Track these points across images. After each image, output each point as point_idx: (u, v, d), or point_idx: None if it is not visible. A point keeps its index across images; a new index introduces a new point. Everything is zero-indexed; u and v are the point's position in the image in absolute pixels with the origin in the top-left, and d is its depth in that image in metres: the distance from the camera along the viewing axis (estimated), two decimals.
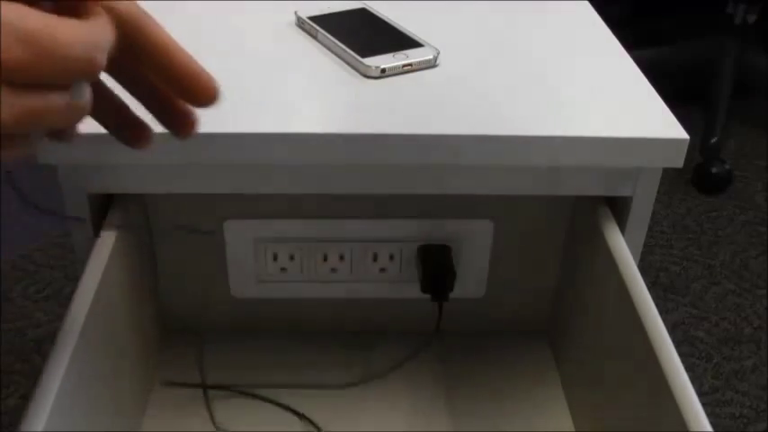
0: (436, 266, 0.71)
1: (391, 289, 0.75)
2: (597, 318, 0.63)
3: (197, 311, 0.76)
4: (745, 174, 1.67)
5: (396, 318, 0.77)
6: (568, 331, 0.71)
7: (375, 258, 0.73)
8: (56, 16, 0.32)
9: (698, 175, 1.61)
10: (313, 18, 0.69)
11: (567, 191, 0.60)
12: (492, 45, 0.68)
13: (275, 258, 0.72)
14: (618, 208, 0.63)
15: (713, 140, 1.62)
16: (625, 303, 0.55)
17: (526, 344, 0.77)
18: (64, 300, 1.25)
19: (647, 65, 0.69)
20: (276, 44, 0.67)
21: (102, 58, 0.34)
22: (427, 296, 0.71)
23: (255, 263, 0.73)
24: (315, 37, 0.67)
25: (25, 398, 1.08)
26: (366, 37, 0.66)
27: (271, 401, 0.70)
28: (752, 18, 1.79)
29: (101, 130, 0.56)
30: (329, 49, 0.66)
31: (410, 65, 0.62)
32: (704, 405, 0.47)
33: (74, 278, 1.30)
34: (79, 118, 0.35)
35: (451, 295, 0.71)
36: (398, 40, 0.65)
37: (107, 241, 0.59)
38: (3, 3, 0.31)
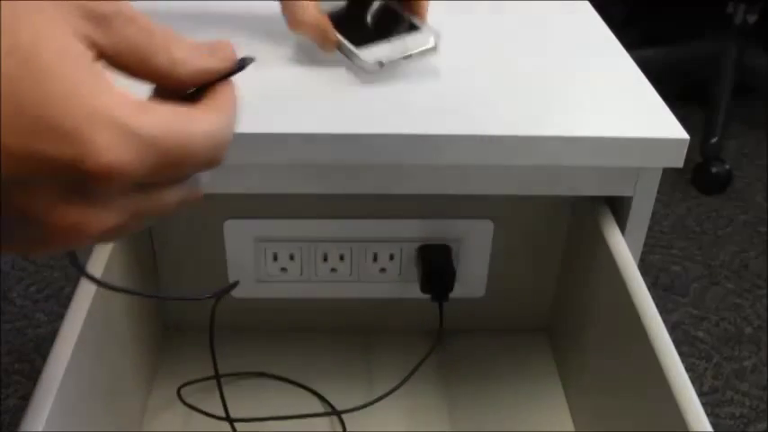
0: (436, 266, 0.71)
1: (391, 289, 0.75)
2: (597, 318, 0.63)
3: (197, 311, 0.75)
4: (745, 174, 1.67)
5: (396, 318, 0.77)
6: (568, 331, 0.71)
7: (375, 258, 0.73)
8: (189, 112, 0.33)
9: (698, 175, 1.61)
10: None
11: (567, 191, 0.60)
12: (492, 45, 0.68)
13: (275, 258, 0.72)
14: (618, 208, 0.63)
15: (713, 140, 1.62)
16: (625, 303, 0.55)
17: (526, 344, 0.77)
18: (64, 300, 1.25)
19: (647, 65, 0.69)
20: (275, 43, 0.67)
21: (225, 153, 0.34)
22: (427, 296, 0.71)
23: (255, 263, 0.73)
24: None
25: (25, 398, 1.08)
26: (361, 23, 0.62)
27: (289, 381, 0.69)
28: (752, 18, 1.79)
29: None
30: None
31: (410, 56, 0.59)
32: (704, 405, 0.47)
33: (74, 278, 1.31)
34: (192, 205, 0.36)
35: (451, 295, 0.71)
36: (396, 24, 0.62)
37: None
38: (146, 107, 0.31)
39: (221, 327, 0.76)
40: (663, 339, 0.51)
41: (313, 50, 0.67)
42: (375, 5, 0.64)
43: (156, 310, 0.74)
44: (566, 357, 0.73)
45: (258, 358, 0.74)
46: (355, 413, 0.68)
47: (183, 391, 0.69)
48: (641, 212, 0.61)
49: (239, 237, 0.71)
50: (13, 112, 0.28)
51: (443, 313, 0.71)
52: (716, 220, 1.52)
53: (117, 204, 0.31)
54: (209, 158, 0.33)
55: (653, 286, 1.34)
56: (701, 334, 1.25)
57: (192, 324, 0.76)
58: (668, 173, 0.59)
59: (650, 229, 1.40)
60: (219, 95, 0.36)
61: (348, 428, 0.68)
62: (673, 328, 1.25)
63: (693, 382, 0.49)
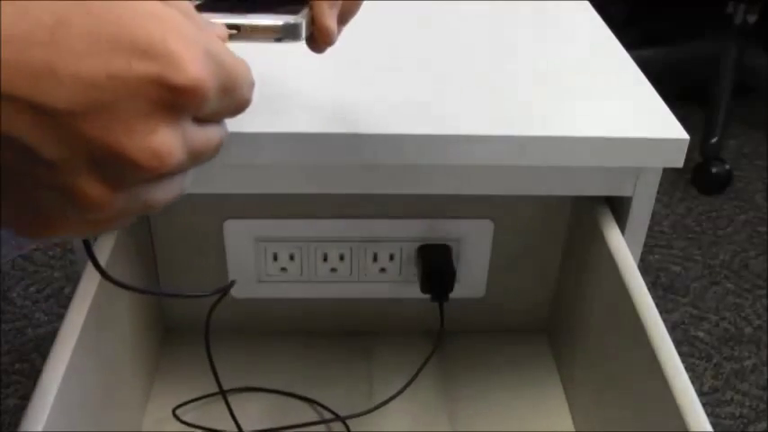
0: (436, 266, 0.71)
1: (391, 289, 0.75)
2: (597, 318, 0.63)
3: (197, 311, 0.75)
4: (745, 174, 1.67)
5: (396, 318, 0.77)
6: (568, 331, 0.71)
7: (375, 258, 0.73)
8: (231, 51, 0.32)
9: (698, 175, 1.61)
10: None
11: (567, 191, 0.60)
12: (492, 45, 0.68)
13: (275, 258, 0.72)
14: (618, 208, 0.63)
15: (713, 140, 1.61)
16: (625, 303, 0.55)
17: (526, 344, 0.77)
18: (64, 300, 1.25)
19: (647, 65, 0.69)
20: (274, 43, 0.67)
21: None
22: (427, 296, 0.71)
23: (255, 263, 0.73)
24: None
25: (25, 398, 1.08)
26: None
27: (289, 395, 0.69)
28: (752, 18, 1.78)
29: None
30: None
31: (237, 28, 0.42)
32: (704, 405, 0.47)
33: (74, 278, 1.30)
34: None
35: (451, 295, 0.71)
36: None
37: (107, 241, 0.59)
38: (205, 33, 0.30)
39: (221, 327, 0.77)
40: (663, 339, 0.51)
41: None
42: None
43: (157, 311, 0.74)
44: (566, 357, 0.73)
45: (257, 360, 0.74)
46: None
47: (181, 391, 0.69)
48: (641, 212, 0.61)
49: (239, 237, 0.71)
50: (87, 35, 0.26)
51: (443, 313, 0.71)
52: (716, 220, 1.52)
53: (185, 133, 0.30)
54: (249, 93, 0.34)
55: (653, 286, 1.34)
56: (700, 334, 1.25)
57: (192, 325, 0.76)
58: (668, 173, 0.59)
59: (650, 229, 1.40)
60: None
61: (350, 429, 0.68)
62: (673, 328, 1.25)
63: (693, 382, 0.49)
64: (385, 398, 0.68)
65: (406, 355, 0.75)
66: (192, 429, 0.67)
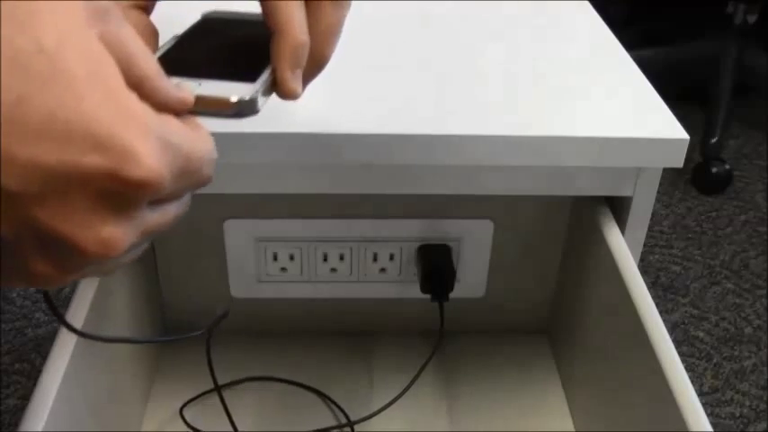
0: (436, 266, 0.71)
1: (391, 289, 0.75)
2: (597, 318, 0.63)
3: (197, 311, 0.75)
4: (745, 174, 1.67)
5: (396, 318, 0.77)
6: (568, 331, 0.71)
7: (375, 258, 0.73)
8: (189, 129, 0.31)
9: (698, 175, 1.61)
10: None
11: (567, 191, 0.60)
12: (492, 45, 0.68)
13: (275, 258, 0.72)
14: (618, 208, 0.63)
15: (713, 140, 1.61)
16: (625, 303, 0.55)
17: (526, 344, 0.77)
18: (64, 300, 1.25)
19: (647, 65, 0.69)
20: None
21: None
22: (427, 296, 0.71)
23: (255, 263, 0.73)
24: None
25: (25, 398, 1.08)
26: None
27: (294, 383, 0.69)
28: (752, 18, 1.78)
29: None
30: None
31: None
32: (704, 405, 0.47)
33: None
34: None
35: (451, 295, 0.71)
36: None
37: None
38: (163, 118, 0.29)
39: (221, 327, 0.77)
40: (663, 339, 0.51)
41: None
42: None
43: (157, 311, 0.74)
44: (566, 357, 0.73)
45: (258, 360, 0.74)
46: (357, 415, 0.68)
47: (181, 390, 0.69)
48: (641, 212, 0.61)
49: (239, 237, 0.71)
50: (45, 118, 0.26)
51: (443, 313, 0.71)
52: (716, 220, 1.52)
53: (136, 220, 0.29)
54: (209, 171, 0.33)
55: (653, 286, 1.34)
56: (700, 334, 1.25)
57: (193, 325, 0.76)
58: (668, 173, 0.59)
59: (650, 229, 1.40)
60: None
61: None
62: (673, 328, 1.25)
63: (693, 382, 0.49)
64: (385, 397, 0.68)
65: (406, 355, 0.75)
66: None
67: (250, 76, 0.39)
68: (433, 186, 0.59)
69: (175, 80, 0.35)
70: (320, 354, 0.75)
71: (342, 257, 0.72)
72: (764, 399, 1.13)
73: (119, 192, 0.28)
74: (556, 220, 0.72)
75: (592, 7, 0.76)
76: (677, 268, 1.39)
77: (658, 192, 0.60)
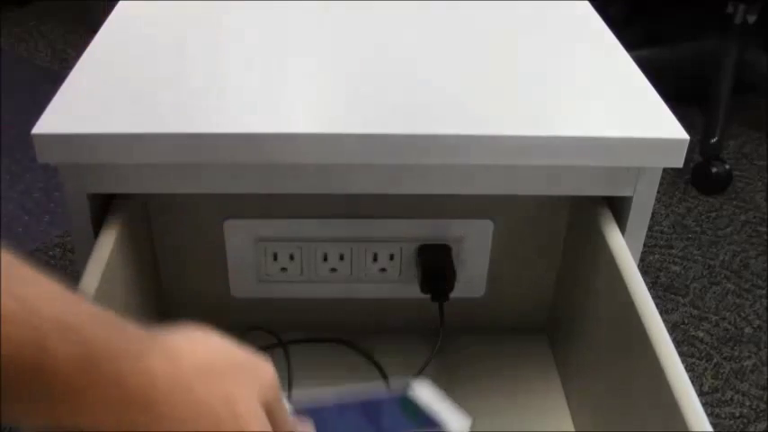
0: (436, 266, 0.71)
1: (391, 289, 0.75)
2: (597, 318, 0.63)
3: (197, 311, 0.75)
4: (745, 174, 1.67)
5: (396, 318, 0.77)
6: (568, 331, 0.71)
7: (375, 258, 0.73)
8: None
9: (698, 175, 1.61)
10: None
11: (567, 191, 0.60)
12: (492, 45, 0.68)
13: (275, 258, 0.72)
14: (618, 208, 0.63)
15: (713, 140, 1.61)
16: (625, 303, 0.55)
17: (526, 344, 0.77)
18: None
19: (647, 65, 0.69)
20: (273, 44, 0.67)
21: None
22: (427, 296, 0.71)
23: (255, 263, 0.73)
24: None
25: None
26: None
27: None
28: (752, 18, 1.78)
29: (101, 130, 0.56)
30: None
31: None
32: (704, 405, 0.47)
33: (74, 278, 1.30)
34: None
35: (451, 295, 0.71)
36: None
37: (107, 241, 0.59)
38: None
39: (221, 327, 0.77)
40: (663, 339, 0.51)
41: (315, 49, 0.67)
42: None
43: (157, 311, 0.74)
44: (565, 357, 0.73)
45: None
46: None
47: None
48: (641, 212, 0.61)
49: (239, 237, 0.71)
50: None
51: (443, 313, 0.71)
52: (716, 220, 1.52)
53: None
54: None
55: (653, 286, 1.34)
56: (700, 334, 1.25)
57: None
58: (668, 173, 0.59)
59: (650, 229, 1.40)
60: None
61: None
62: (673, 328, 1.25)
63: (693, 382, 0.49)
64: None
65: (406, 355, 0.75)
66: None
67: None
68: (433, 186, 0.59)
69: None
70: (320, 353, 0.75)
71: (342, 257, 0.72)
72: (764, 399, 1.13)
73: None
74: (556, 220, 0.72)
75: (592, 7, 0.76)
76: (677, 268, 1.39)
77: (658, 192, 0.60)
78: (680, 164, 0.57)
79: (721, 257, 1.42)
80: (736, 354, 1.21)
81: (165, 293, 0.75)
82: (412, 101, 0.58)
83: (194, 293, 0.75)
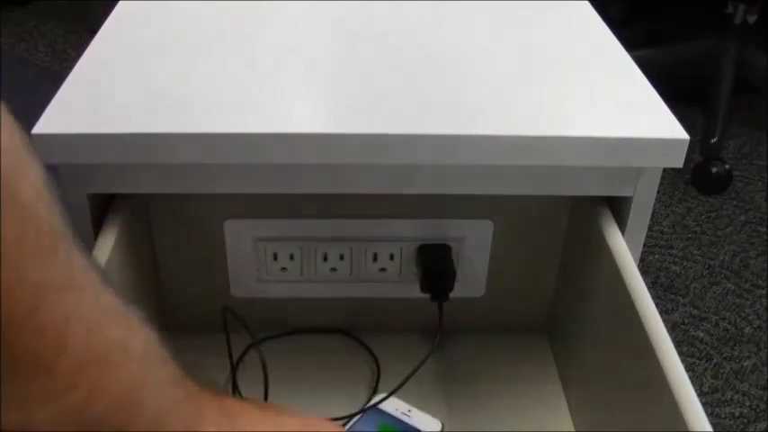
0: (436, 266, 0.71)
1: (391, 289, 0.75)
2: (597, 318, 0.63)
3: (197, 311, 0.75)
4: (745, 174, 1.67)
5: (396, 318, 0.77)
6: (568, 331, 0.71)
7: (375, 258, 0.73)
8: None
9: (698, 175, 1.61)
10: None
11: (567, 191, 0.60)
12: (492, 45, 0.68)
13: (275, 258, 0.72)
14: (618, 208, 0.63)
15: (713, 140, 1.62)
16: (625, 303, 0.55)
17: (526, 344, 0.77)
18: None
19: (647, 65, 0.69)
20: (273, 44, 0.67)
21: None
22: (427, 296, 0.71)
23: (255, 263, 0.73)
24: None
25: None
26: None
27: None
28: (752, 18, 1.79)
29: (100, 129, 0.56)
30: None
31: None
32: (704, 405, 0.47)
33: None
34: None
35: (451, 295, 0.71)
36: None
37: (107, 241, 0.59)
38: None
39: (221, 326, 0.77)
40: (663, 339, 0.51)
41: (315, 49, 0.67)
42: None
43: (157, 311, 0.74)
44: (565, 357, 0.73)
45: (257, 359, 0.74)
46: None
47: None
48: (641, 212, 0.61)
49: (239, 237, 0.71)
50: None
51: (443, 313, 0.71)
52: (716, 220, 1.52)
53: None
54: None
55: (653, 286, 1.34)
56: (700, 334, 1.25)
57: (192, 325, 0.76)
58: (668, 173, 0.59)
59: (650, 229, 1.40)
60: None
61: None
62: (673, 328, 1.25)
63: (693, 382, 0.49)
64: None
65: (405, 355, 0.75)
66: None
67: None
68: (433, 186, 0.59)
69: None
70: (319, 354, 0.75)
71: (342, 257, 0.72)
72: (764, 399, 1.13)
73: None
74: (556, 220, 0.72)
75: (592, 7, 0.76)
76: (677, 268, 1.39)
77: (658, 192, 0.60)
78: (680, 164, 0.57)
79: (721, 257, 1.42)
80: (736, 354, 1.21)
81: (165, 293, 0.75)
82: (412, 101, 0.58)
83: (194, 293, 0.75)
